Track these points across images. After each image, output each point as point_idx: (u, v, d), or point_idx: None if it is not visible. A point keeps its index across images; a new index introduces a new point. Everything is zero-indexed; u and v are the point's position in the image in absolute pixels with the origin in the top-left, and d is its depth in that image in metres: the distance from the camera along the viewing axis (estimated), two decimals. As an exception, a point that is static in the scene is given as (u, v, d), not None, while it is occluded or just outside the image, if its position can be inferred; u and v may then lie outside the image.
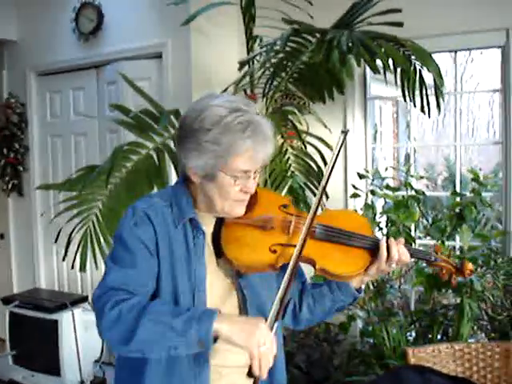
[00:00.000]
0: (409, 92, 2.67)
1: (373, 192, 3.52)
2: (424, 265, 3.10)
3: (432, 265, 1.75)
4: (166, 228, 1.56)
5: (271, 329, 1.41)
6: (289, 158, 3.24)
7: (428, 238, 3.63)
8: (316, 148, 3.21)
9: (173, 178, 3.34)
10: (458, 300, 3.09)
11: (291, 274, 1.48)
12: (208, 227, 1.62)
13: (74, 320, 3.85)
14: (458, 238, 3.43)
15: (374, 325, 3.26)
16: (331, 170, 1.65)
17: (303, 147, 3.18)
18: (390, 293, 3.41)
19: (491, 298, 3.08)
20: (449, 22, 3.35)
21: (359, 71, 3.63)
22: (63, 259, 2.99)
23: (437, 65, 2.54)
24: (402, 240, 1.65)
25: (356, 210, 3.56)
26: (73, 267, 3.07)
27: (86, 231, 2.96)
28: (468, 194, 3.35)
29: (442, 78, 2.57)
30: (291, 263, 1.50)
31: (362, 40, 2.46)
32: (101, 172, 2.84)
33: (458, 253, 3.38)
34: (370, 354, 3.28)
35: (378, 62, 2.55)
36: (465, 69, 8.10)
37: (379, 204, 3.78)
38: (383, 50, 2.49)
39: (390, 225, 3.30)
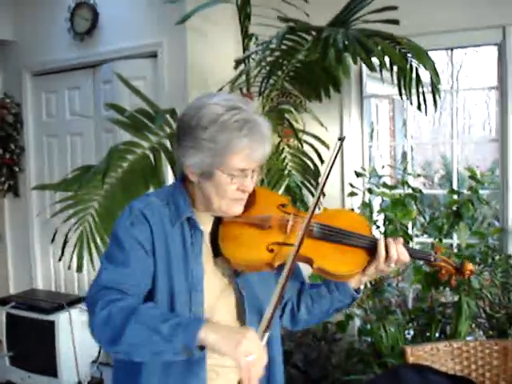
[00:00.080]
0: (405, 90, 2.66)
1: (370, 190, 3.52)
2: (422, 263, 3.09)
3: (431, 265, 1.73)
4: (162, 227, 1.55)
5: (261, 338, 1.37)
6: (285, 156, 3.23)
7: (425, 236, 3.63)
8: (312, 146, 3.20)
9: (169, 177, 3.33)
10: (456, 298, 3.09)
11: (288, 273, 1.47)
12: (206, 226, 1.61)
13: (70, 321, 3.85)
14: (455, 235, 3.43)
15: (371, 323, 3.26)
16: (327, 176, 1.63)
17: (300, 146, 3.17)
18: (388, 291, 3.40)
19: (489, 295, 3.08)
20: (445, 20, 3.35)
21: (355, 69, 3.63)
22: (59, 259, 2.98)
23: (433, 62, 2.54)
24: (401, 240, 1.64)
25: (353, 209, 3.57)
26: (69, 268, 3.06)
27: (83, 231, 2.95)
28: (465, 191, 3.35)
29: (438, 76, 2.57)
30: (288, 262, 1.49)
31: (358, 38, 2.45)
32: (97, 172, 2.83)
33: (455, 251, 3.38)
34: (368, 353, 3.28)
35: (375, 60, 2.54)
36: (461, 67, 8.11)
37: (376, 202, 3.77)
38: (379, 47, 2.48)
39: (387, 223, 3.30)
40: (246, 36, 3.20)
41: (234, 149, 1.47)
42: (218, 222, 1.62)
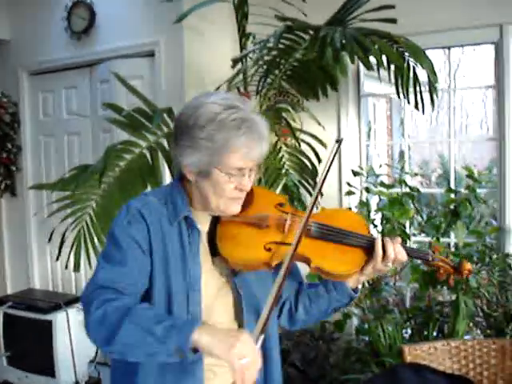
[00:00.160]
0: (403, 89, 2.66)
1: (367, 189, 3.52)
2: (419, 261, 3.09)
3: (429, 264, 1.72)
4: (160, 226, 1.55)
5: (256, 341, 1.36)
6: (283, 155, 3.23)
7: (423, 234, 3.63)
8: (310, 145, 3.20)
9: (166, 176, 3.32)
10: (454, 297, 3.09)
11: (285, 272, 1.47)
12: (203, 226, 1.61)
13: (68, 320, 3.84)
14: (452, 234, 3.43)
15: (369, 322, 3.26)
16: (325, 177, 1.62)
17: (297, 145, 3.17)
18: (385, 290, 3.40)
19: (486, 294, 3.08)
20: (442, 19, 3.35)
21: (353, 68, 3.63)
22: (57, 259, 2.97)
23: (430, 61, 2.53)
24: (399, 239, 1.64)
25: (351, 208, 3.56)
26: (67, 267, 3.05)
27: (80, 231, 2.94)
28: (463, 190, 3.35)
29: (435, 75, 2.57)
30: (286, 261, 1.49)
31: (356, 37, 2.45)
32: (94, 171, 2.82)
33: (452, 250, 3.38)
34: (366, 352, 3.28)
35: (372, 59, 2.54)
36: (458, 65, 8.11)
37: (374, 201, 3.78)
38: (377, 46, 2.47)
39: (384, 222, 3.30)
40: (244, 35, 3.19)
41: (231, 147, 1.47)
42: (216, 221, 1.62)
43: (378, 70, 2.59)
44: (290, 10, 2.97)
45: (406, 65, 2.60)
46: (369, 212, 3.39)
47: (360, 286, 1.74)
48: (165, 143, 2.98)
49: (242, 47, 3.22)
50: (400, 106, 5.92)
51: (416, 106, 2.68)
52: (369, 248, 1.63)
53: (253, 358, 1.33)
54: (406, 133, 4.03)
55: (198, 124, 1.48)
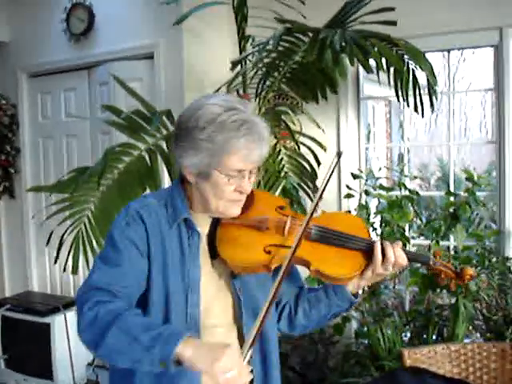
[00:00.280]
0: (402, 92, 2.66)
1: (366, 192, 3.51)
2: (419, 265, 3.08)
3: (431, 269, 1.70)
4: (159, 228, 1.55)
5: (245, 355, 1.34)
6: (282, 158, 3.22)
7: (422, 237, 3.62)
8: (309, 148, 3.20)
9: (165, 179, 3.31)
10: (453, 300, 3.08)
11: (283, 275, 1.46)
12: (203, 228, 1.61)
13: (66, 323, 3.83)
14: (452, 237, 3.43)
15: (368, 325, 3.25)
16: (326, 185, 1.61)
17: (296, 148, 3.16)
18: (385, 293, 3.40)
19: (486, 297, 3.07)
20: (442, 21, 3.34)
21: (352, 71, 3.63)
22: (55, 262, 2.96)
23: (430, 64, 2.53)
24: (400, 243, 1.63)
25: (350, 211, 3.56)
26: (65, 270, 3.04)
27: (78, 233, 2.94)
28: (462, 193, 3.34)
29: (435, 77, 2.57)
30: (285, 263, 1.49)
31: (355, 39, 2.44)
32: (92, 173, 2.81)
33: (452, 253, 3.38)
34: (365, 355, 3.27)
35: (371, 62, 2.53)
36: (457, 69, 8.11)
37: (373, 204, 3.77)
38: (376, 49, 2.47)
39: (384, 225, 3.30)
40: (243, 37, 3.19)
41: (231, 149, 1.47)
42: (216, 223, 1.61)
43: (378, 72, 2.58)
44: (289, 12, 2.97)
45: (405, 68, 2.59)
46: (368, 215, 3.38)
47: (360, 291, 1.72)
48: (164, 145, 2.97)
49: (242, 49, 3.22)
50: (399, 109, 5.92)
51: (415, 109, 2.67)
52: (368, 251, 1.62)
53: (238, 371, 1.30)
54: (405, 136, 4.03)
55: (198, 125, 1.48)
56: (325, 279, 1.63)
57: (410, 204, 3.32)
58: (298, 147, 3.16)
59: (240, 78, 3.16)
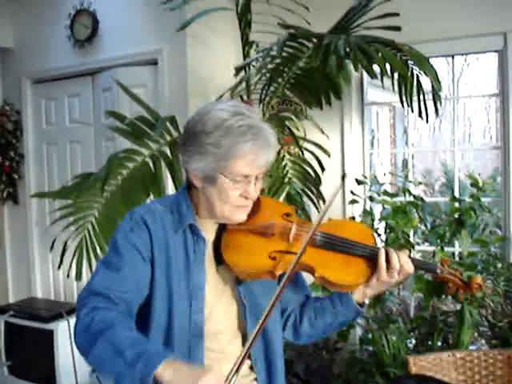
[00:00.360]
0: (406, 97, 2.65)
1: (371, 198, 3.50)
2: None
3: (438, 277, 1.68)
4: (164, 234, 1.55)
5: (229, 380, 1.28)
6: (286, 164, 3.22)
7: (427, 243, 3.61)
8: (313, 154, 3.19)
9: (169, 185, 3.31)
10: (458, 306, 3.07)
11: (286, 280, 1.45)
12: (209, 234, 1.61)
13: (69, 329, 3.82)
14: (457, 243, 3.41)
15: (373, 332, 3.23)
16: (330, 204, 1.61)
17: (300, 153, 3.16)
18: (389, 300, 3.38)
19: (491, 304, 3.05)
20: (446, 27, 3.34)
21: (356, 76, 3.62)
22: (58, 268, 2.96)
23: (434, 69, 2.53)
24: (407, 251, 1.61)
25: (354, 217, 3.55)
26: (68, 276, 3.04)
27: (82, 239, 2.93)
28: (467, 199, 3.33)
29: (439, 83, 2.56)
30: (289, 269, 1.48)
31: (360, 45, 2.44)
32: (96, 179, 2.81)
33: (457, 259, 3.36)
34: (370, 362, 3.25)
35: (376, 67, 2.53)
36: (461, 74, 8.11)
37: (377, 210, 3.76)
38: (380, 54, 2.47)
39: (388, 231, 3.28)
40: (247, 43, 3.19)
41: (237, 153, 1.47)
42: (222, 229, 1.61)
43: (382, 78, 2.58)
44: (293, 18, 2.97)
45: (409, 73, 2.59)
46: (372, 221, 3.37)
47: (366, 301, 1.70)
48: (167, 151, 2.97)
49: (245, 55, 3.22)
50: (403, 115, 5.91)
51: (420, 115, 2.66)
52: (373, 259, 1.61)
53: None
54: (409, 141, 4.02)
55: (205, 130, 1.49)
56: (329, 286, 1.62)
57: (414, 210, 3.30)
58: (302, 153, 3.15)
59: (244, 84, 3.16)
